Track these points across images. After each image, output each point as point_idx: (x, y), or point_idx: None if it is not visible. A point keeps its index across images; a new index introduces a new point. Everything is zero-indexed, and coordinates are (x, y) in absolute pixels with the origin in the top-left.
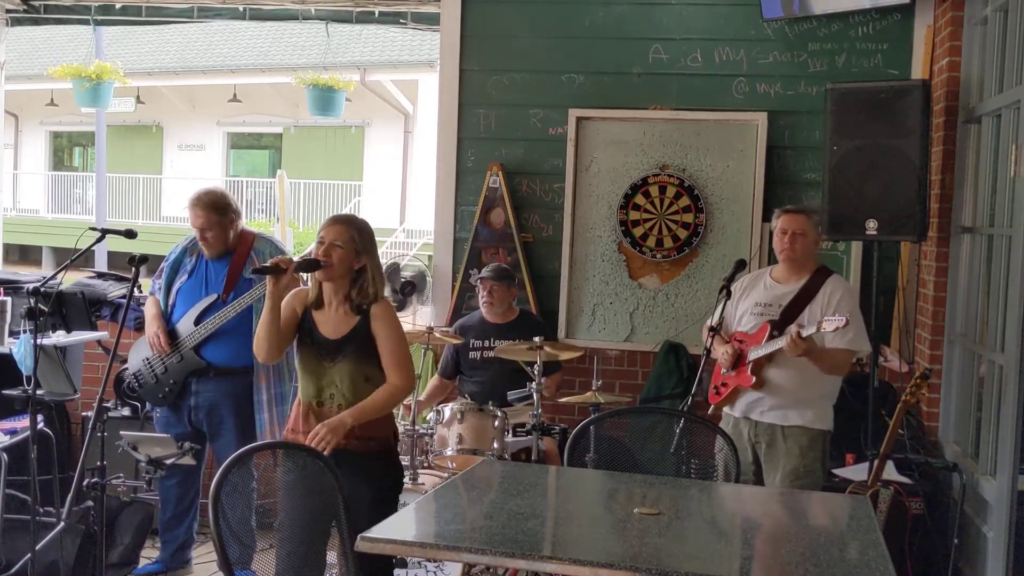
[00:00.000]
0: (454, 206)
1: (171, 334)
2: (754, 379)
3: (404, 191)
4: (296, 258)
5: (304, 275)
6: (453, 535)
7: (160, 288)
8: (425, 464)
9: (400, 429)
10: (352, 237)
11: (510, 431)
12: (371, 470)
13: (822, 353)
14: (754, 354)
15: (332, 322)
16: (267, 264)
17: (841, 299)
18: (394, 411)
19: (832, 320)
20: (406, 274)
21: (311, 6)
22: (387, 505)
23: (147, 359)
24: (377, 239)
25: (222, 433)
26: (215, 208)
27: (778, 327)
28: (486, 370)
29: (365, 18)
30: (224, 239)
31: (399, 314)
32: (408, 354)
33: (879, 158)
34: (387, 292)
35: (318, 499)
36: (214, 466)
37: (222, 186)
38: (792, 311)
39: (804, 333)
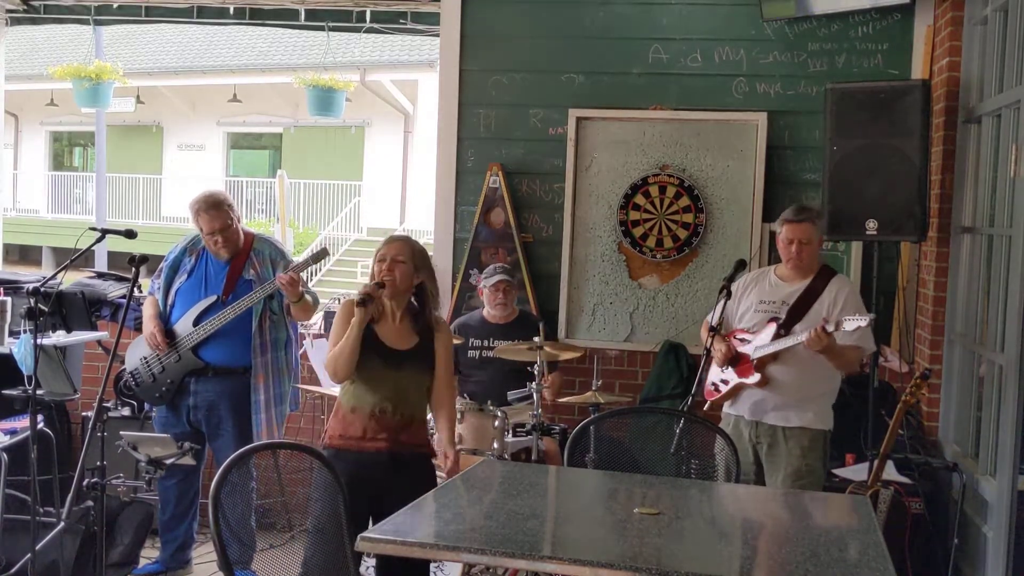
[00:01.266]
0: (454, 206)
1: (169, 334)
2: (759, 376)
3: (404, 191)
4: (370, 284)
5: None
6: (453, 535)
7: (159, 288)
8: None
9: None
10: (412, 254)
11: (510, 431)
12: (421, 471)
13: (839, 350)
14: (760, 351)
15: (396, 333)
16: (363, 297)
17: (848, 299)
18: None
19: (853, 320)
20: None
21: (311, 6)
22: None
23: (145, 358)
24: (377, 239)
25: (221, 433)
26: (229, 207)
27: (784, 326)
28: (486, 370)
29: (364, 19)
30: (238, 238)
31: None
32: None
33: (879, 158)
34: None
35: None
36: (213, 466)
37: (222, 186)
38: (798, 310)
39: (828, 328)
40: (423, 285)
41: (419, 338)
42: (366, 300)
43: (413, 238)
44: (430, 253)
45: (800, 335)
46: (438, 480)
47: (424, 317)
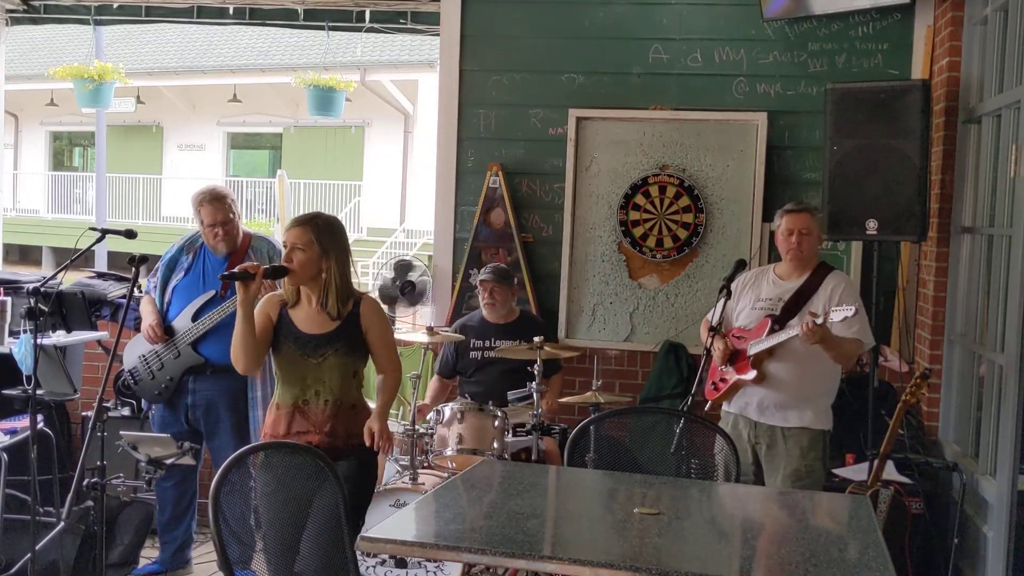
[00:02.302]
0: (454, 206)
1: (167, 331)
2: (755, 372)
3: (404, 191)
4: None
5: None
6: (453, 535)
7: (156, 286)
8: (425, 464)
9: (400, 429)
10: (311, 239)
11: (510, 431)
12: (356, 463)
13: (836, 341)
14: (756, 348)
15: (314, 318)
16: (235, 271)
17: (844, 293)
18: (392, 410)
19: (840, 310)
20: (390, 274)
21: (311, 6)
22: (361, 495)
23: (143, 356)
24: (377, 239)
25: (219, 432)
26: (232, 202)
27: (778, 322)
28: (486, 370)
29: (364, 19)
30: (237, 233)
31: (406, 312)
32: (396, 347)
33: (879, 158)
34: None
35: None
36: (211, 466)
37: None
38: (792, 306)
39: (818, 320)
40: (329, 271)
41: (340, 320)
42: (239, 276)
43: (324, 215)
44: (430, 253)
45: (792, 329)
46: (381, 467)
47: (340, 309)
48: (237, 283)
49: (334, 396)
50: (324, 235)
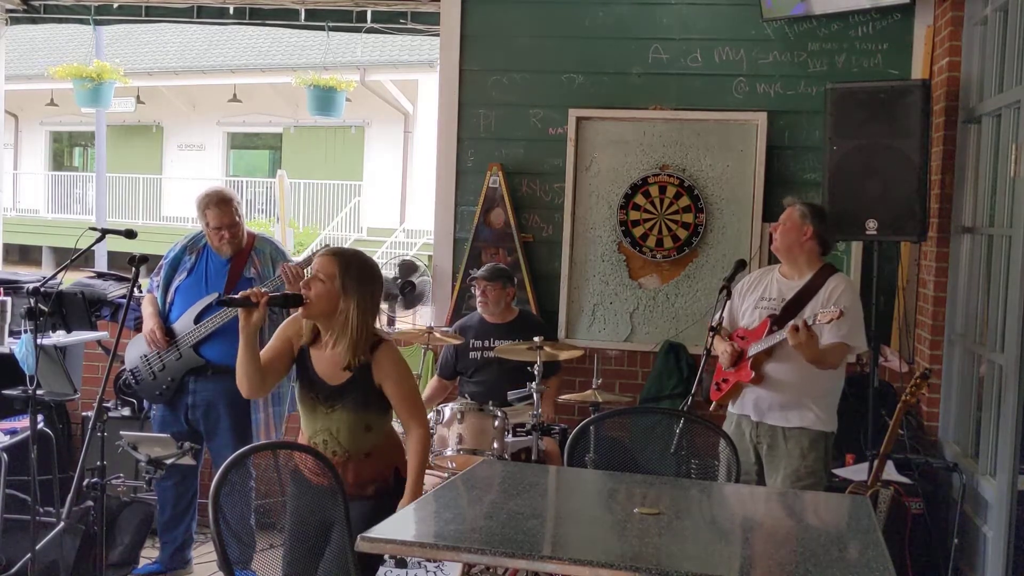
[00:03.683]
0: (454, 206)
1: (169, 332)
2: (753, 374)
3: (404, 191)
4: (272, 292)
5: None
6: (453, 535)
7: (158, 286)
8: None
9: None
10: (335, 272)
11: (510, 431)
12: (359, 515)
13: (813, 345)
14: (754, 349)
15: (329, 364)
16: (236, 296)
17: (842, 295)
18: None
19: (827, 312)
20: (392, 274)
21: (311, 6)
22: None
23: (145, 356)
24: (377, 239)
25: (219, 432)
26: (237, 204)
27: (778, 322)
28: (486, 370)
29: (364, 19)
30: (242, 236)
31: (405, 314)
32: (419, 393)
33: (879, 158)
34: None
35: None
36: (211, 466)
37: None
38: (793, 306)
39: (808, 321)
40: (347, 310)
41: (356, 372)
42: (240, 302)
43: (362, 255)
44: (430, 253)
45: (780, 333)
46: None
47: (355, 356)
48: (239, 309)
49: (342, 449)
50: (351, 273)
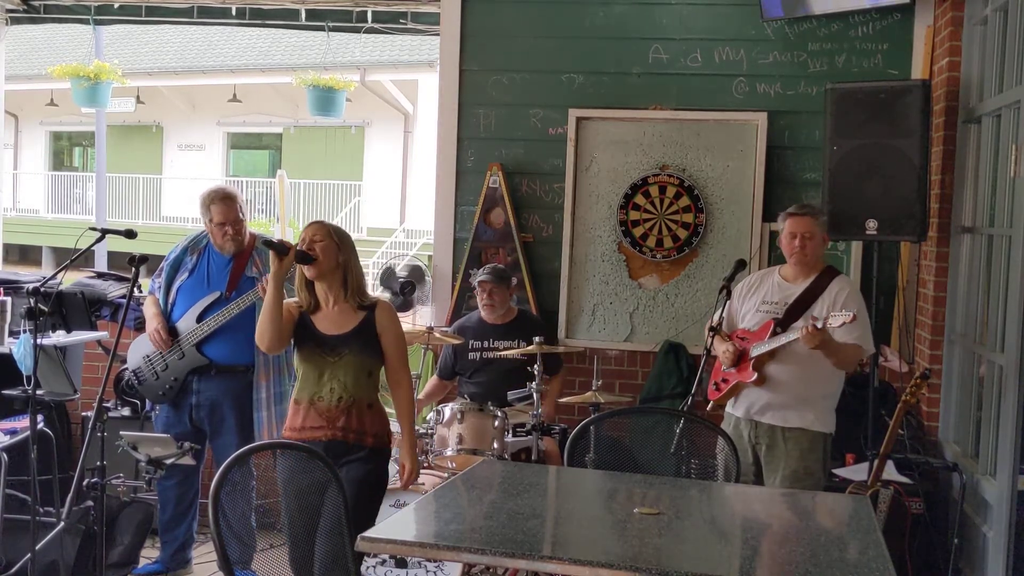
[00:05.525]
0: (454, 206)
1: (172, 331)
2: (756, 375)
3: (404, 191)
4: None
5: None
6: (453, 535)
7: (160, 287)
8: (425, 464)
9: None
10: (328, 232)
11: (510, 431)
12: (362, 461)
13: (836, 346)
14: (757, 350)
15: (333, 319)
16: (274, 240)
17: (848, 298)
18: (390, 409)
19: (839, 315)
20: (402, 274)
21: (311, 6)
22: (368, 504)
23: (147, 356)
24: (377, 239)
25: (223, 432)
26: (241, 202)
27: (781, 324)
28: (486, 371)
29: (364, 19)
30: (245, 233)
31: (401, 315)
32: (407, 353)
33: (879, 158)
34: (387, 296)
35: (318, 497)
36: (213, 466)
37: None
38: (796, 309)
39: (818, 324)
40: (348, 266)
41: (361, 320)
42: (278, 246)
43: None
44: (430, 253)
45: (794, 332)
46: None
47: (361, 299)
48: (272, 256)
49: (348, 393)
50: (339, 234)
